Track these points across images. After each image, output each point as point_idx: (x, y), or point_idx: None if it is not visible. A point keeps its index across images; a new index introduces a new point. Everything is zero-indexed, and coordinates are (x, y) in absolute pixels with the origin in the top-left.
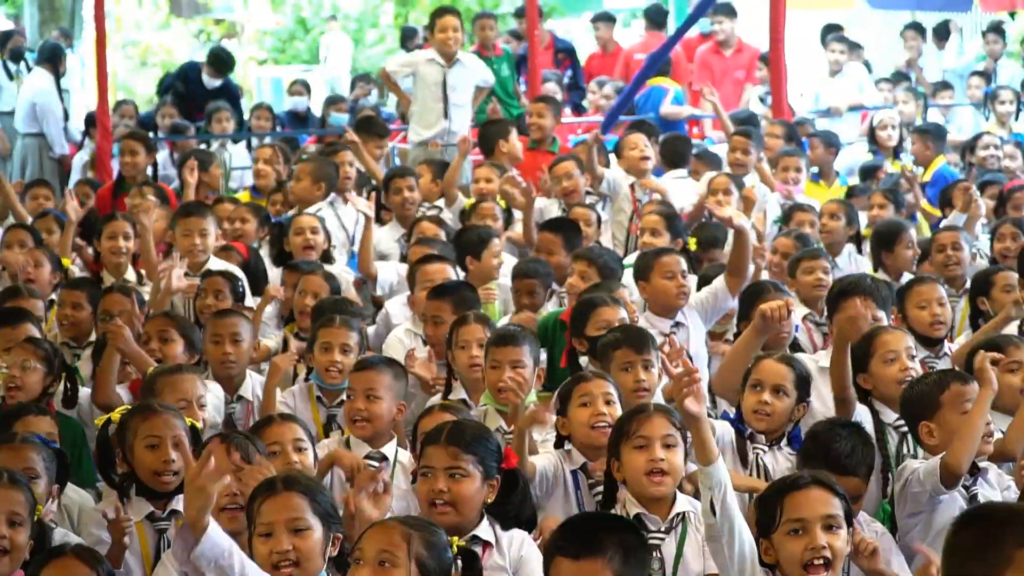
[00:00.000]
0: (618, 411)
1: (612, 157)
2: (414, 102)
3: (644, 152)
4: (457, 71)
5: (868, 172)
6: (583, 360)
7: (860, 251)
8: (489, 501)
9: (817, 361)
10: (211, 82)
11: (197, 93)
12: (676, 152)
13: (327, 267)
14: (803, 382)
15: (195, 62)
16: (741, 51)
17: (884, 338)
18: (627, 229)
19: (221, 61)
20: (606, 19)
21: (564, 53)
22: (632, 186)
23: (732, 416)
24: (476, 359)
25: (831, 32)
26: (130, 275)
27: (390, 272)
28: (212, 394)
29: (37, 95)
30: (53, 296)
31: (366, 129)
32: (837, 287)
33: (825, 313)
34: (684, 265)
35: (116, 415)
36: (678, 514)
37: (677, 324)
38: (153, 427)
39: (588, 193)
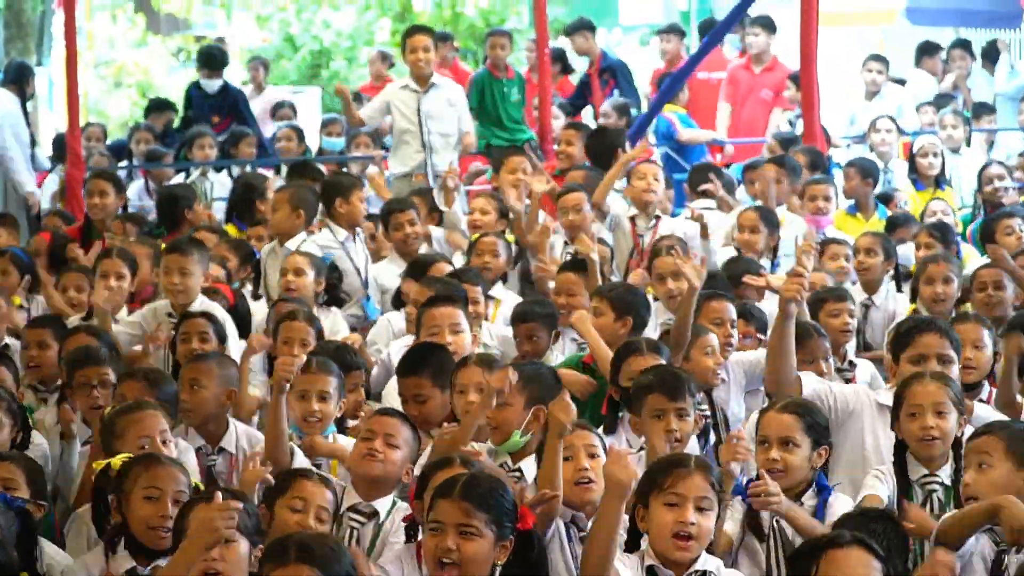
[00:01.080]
0: (602, 463)
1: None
2: (392, 133)
3: (651, 186)
4: (434, 96)
5: (883, 200)
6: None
7: (900, 288)
8: (500, 564)
9: (877, 398)
10: (210, 84)
11: (205, 105)
12: (705, 182)
13: (335, 311)
14: (816, 427)
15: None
16: (772, 69)
17: (913, 389)
18: (627, 266)
19: (213, 58)
20: (674, 32)
21: (609, 72)
22: (633, 219)
23: (744, 484)
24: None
25: (871, 55)
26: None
27: (397, 319)
28: (187, 447)
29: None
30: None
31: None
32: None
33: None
34: (733, 313)
35: (116, 461)
36: (699, 572)
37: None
38: (155, 478)
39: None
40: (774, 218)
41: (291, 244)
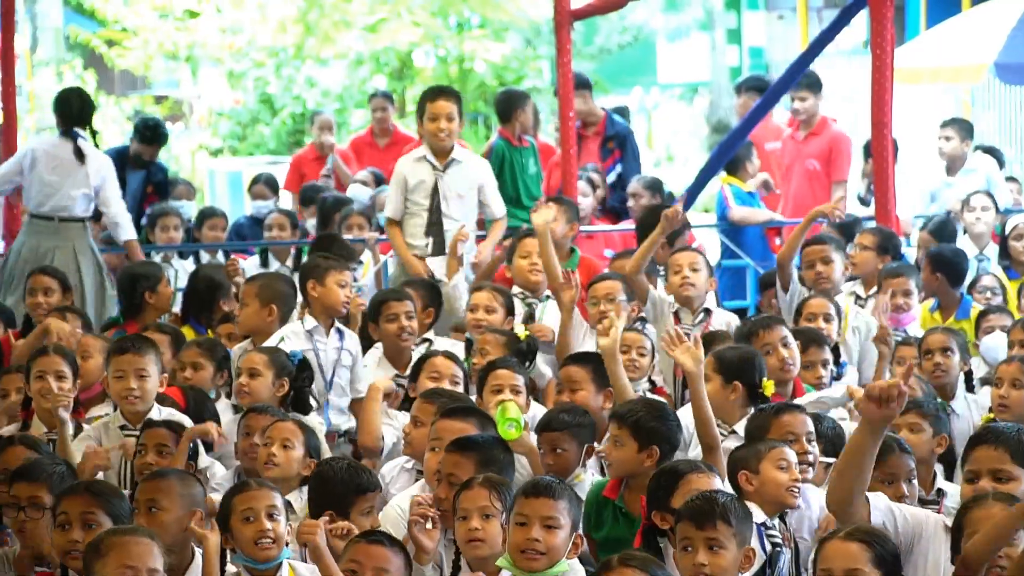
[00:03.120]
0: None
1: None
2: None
3: (687, 279)
4: (455, 175)
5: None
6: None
7: (971, 389)
8: None
9: (942, 519)
10: (134, 172)
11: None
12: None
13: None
14: (886, 559)
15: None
16: (817, 134)
17: (973, 514)
18: (672, 371)
19: (152, 132)
20: (756, 87)
21: (615, 141)
22: (677, 314)
23: None
24: (476, 532)
25: (948, 120)
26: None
27: (389, 433)
28: None
29: None
30: None
31: (325, 249)
32: None
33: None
34: (809, 426)
35: None
36: None
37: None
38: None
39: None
40: (837, 308)
41: (269, 343)
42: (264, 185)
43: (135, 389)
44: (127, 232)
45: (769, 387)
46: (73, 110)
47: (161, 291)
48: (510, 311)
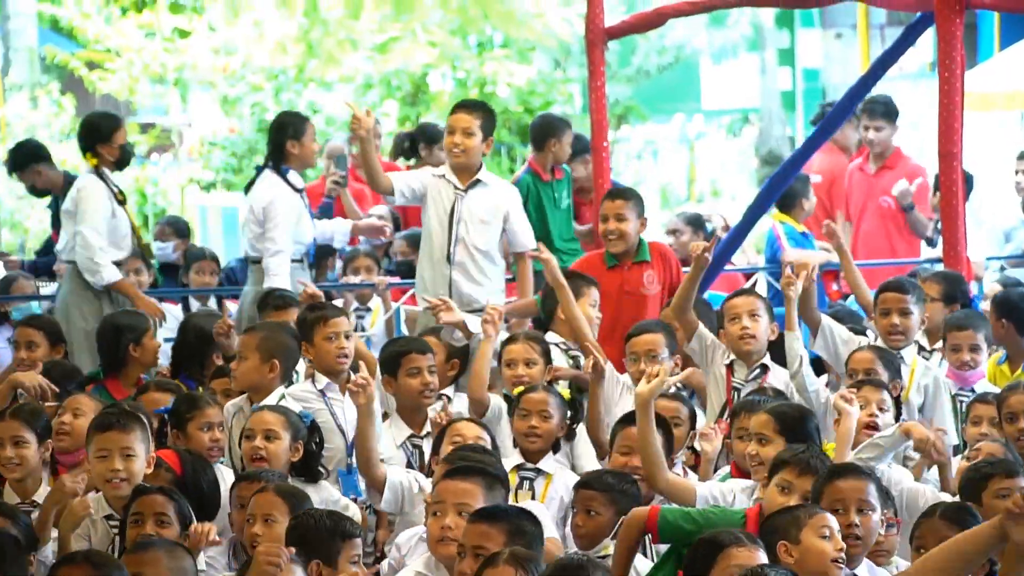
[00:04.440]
0: None
1: None
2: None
3: (747, 328)
4: (477, 199)
5: None
6: None
7: None
8: None
9: None
10: None
11: None
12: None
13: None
14: None
15: None
16: (891, 168)
17: None
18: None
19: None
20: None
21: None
22: (730, 367)
23: None
24: None
25: None
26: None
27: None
28: None
29: None
30: None
31: (263, 307)
32: None
33: None
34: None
35: None
36: None
37: None
38: None
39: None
40: (895, 362)
41: (269, 401)
42: None
43: (120, 471)
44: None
45: (829, 448)
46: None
47: (147, 344)
48: (548, 359)
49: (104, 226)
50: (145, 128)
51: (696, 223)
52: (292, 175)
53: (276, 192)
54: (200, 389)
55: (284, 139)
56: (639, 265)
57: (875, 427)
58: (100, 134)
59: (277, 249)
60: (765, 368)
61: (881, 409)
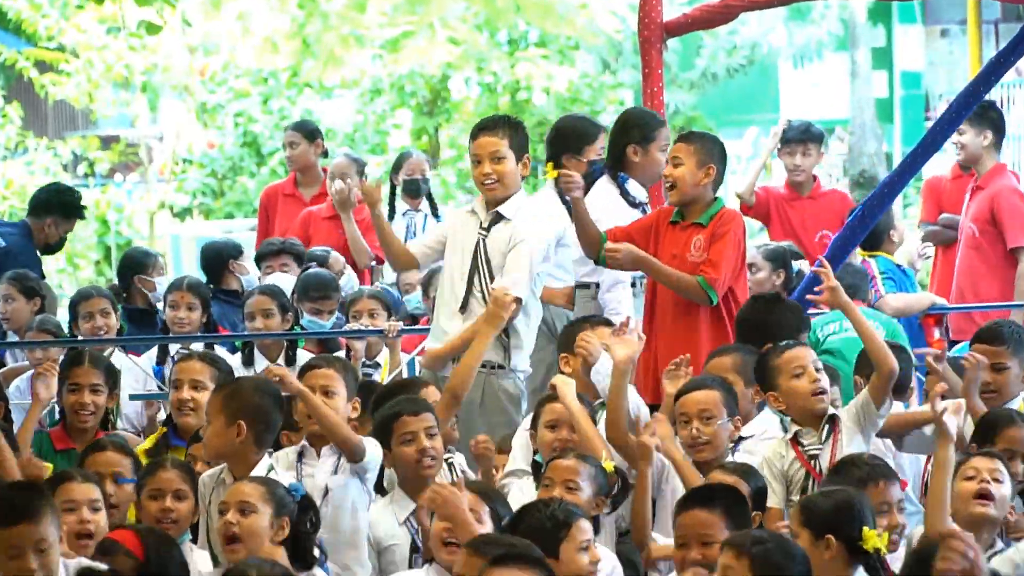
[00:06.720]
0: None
1: None
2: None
3: (818, 380)
4: (497, 236)
5: None
6: None
7: None
8: None
9: None
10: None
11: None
12: None
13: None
14: None
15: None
16: (982, 187)
17: None
18: None
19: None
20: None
21: None
22: (796, 437)
23: None
24: None
25: None
26: None
27: None
28: None
29: None
30: None
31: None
32: None
33: None
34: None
35: None
36: None
37: None
38: None
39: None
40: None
41: (256, 472)
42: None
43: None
44: None
45: (872, 538)
46: None
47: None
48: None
49: None
50: (107, 142)
51: (777, 259)
52: None
53: None
54: (182, 454)
55: None
56: (695, 228)
57: (988, 496)
58: None
59: None
60: (834, 420)
61: (996, 480)
